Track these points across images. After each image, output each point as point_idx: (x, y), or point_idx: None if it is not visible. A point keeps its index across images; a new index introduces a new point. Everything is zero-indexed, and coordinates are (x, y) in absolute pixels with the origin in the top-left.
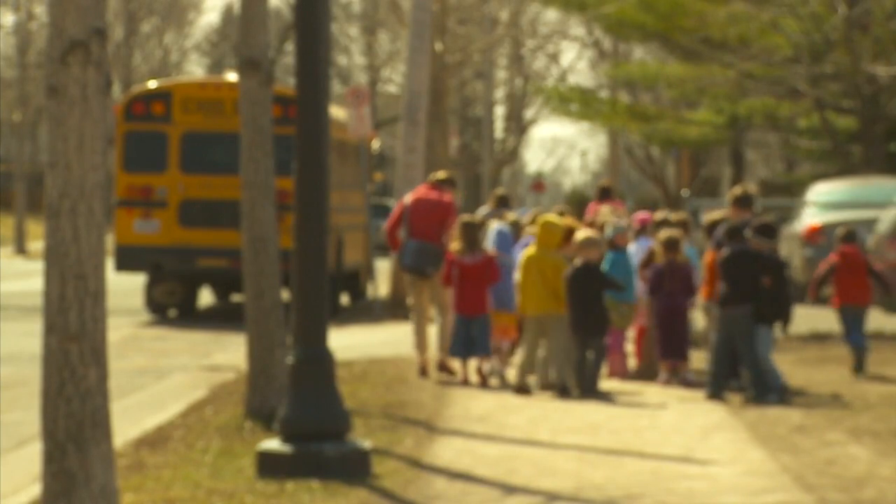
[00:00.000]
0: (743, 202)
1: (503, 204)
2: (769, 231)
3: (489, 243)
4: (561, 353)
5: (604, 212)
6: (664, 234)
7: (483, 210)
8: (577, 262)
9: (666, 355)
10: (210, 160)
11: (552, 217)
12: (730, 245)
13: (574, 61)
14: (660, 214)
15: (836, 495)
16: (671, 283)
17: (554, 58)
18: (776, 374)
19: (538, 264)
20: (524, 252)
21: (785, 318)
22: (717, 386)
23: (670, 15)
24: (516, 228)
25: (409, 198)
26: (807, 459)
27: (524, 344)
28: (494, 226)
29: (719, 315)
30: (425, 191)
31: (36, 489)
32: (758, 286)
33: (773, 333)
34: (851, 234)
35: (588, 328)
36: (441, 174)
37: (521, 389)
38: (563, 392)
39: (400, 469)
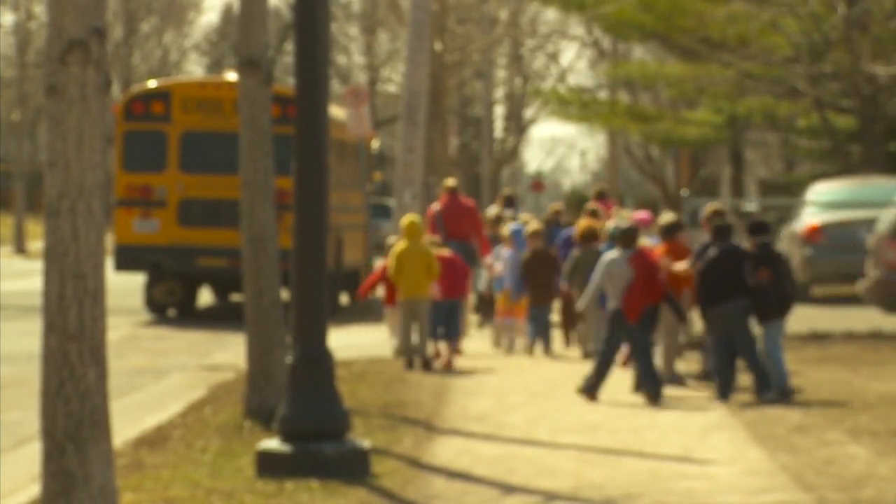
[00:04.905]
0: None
1: (510, 203)
2: (760, 228)
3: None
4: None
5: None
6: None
7: (492, 209)
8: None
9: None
10: (209, 160)
11: (415, 218)
12: (716, 245)
13: (573, 61)
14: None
15: (835, 495)
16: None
17: (553, 57)
18: (783, 374)
19: (413, 255)
20: (396, 246)
21: (784, 310)
22: (725, 388)
23: (669, 15)
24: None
25: (436, 206)
26: (806, 459)
27: (402, 325)
28: (510, 225)
29: (710, 316)
30: (448, 198)
31: (35, 489)
32: (744, 282)
33: (783, 329)
34: None
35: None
36: (451, 182)
37: (427, 365)
38: (426, 365)
39: (399, 468)
